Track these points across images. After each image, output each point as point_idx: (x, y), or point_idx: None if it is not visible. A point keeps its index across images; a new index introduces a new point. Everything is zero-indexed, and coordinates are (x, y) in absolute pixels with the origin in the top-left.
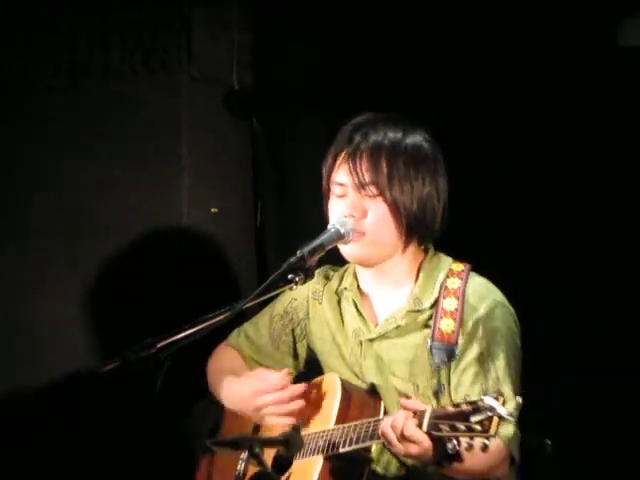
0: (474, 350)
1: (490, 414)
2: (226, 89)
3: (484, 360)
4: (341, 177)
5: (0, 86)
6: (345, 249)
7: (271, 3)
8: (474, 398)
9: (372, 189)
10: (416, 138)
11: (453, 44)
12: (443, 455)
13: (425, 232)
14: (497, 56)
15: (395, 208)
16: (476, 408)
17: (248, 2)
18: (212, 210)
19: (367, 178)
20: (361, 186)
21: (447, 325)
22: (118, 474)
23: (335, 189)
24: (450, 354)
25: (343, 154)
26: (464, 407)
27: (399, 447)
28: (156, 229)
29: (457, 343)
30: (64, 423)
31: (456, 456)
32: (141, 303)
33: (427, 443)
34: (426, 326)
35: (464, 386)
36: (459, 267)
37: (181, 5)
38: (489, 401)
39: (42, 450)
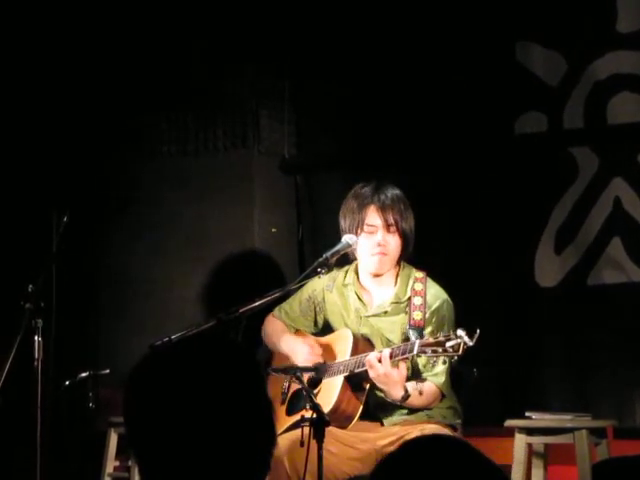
0: (432, 325)
1: (459, 340)
2: (280, 158)
3: (439, 327)
4: (372, 220)
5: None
6: (372, 265)
7: (308, 106)
8: (448, 333)
9: (394, 227)
10: (399, 191)
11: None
12: (403, 397)
13: (411, 249)
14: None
15: (404, 237)
16: (449, 337)
17: (294, 105)
18: (272, 230)
19: (392, 220)
20: (388, 225)
21: (417, 314)
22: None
23: (366, 229)
24: (420, 331)
25: (372, 207)
26: (441, 338)
27: (378, 372)
28: (240, 241)
29: (424, 325)
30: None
31: (409, 397)
32: (231, 288)
33: (396, 377)
34: (403, 312)
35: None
36: (420, 274)
37: (252, 107)
38: (460, 332)
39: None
